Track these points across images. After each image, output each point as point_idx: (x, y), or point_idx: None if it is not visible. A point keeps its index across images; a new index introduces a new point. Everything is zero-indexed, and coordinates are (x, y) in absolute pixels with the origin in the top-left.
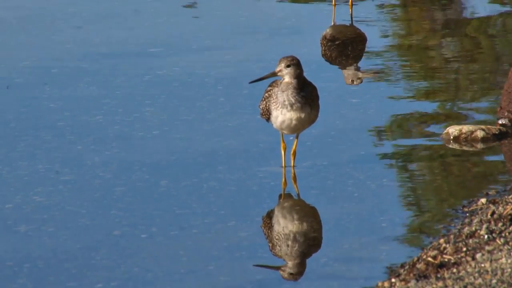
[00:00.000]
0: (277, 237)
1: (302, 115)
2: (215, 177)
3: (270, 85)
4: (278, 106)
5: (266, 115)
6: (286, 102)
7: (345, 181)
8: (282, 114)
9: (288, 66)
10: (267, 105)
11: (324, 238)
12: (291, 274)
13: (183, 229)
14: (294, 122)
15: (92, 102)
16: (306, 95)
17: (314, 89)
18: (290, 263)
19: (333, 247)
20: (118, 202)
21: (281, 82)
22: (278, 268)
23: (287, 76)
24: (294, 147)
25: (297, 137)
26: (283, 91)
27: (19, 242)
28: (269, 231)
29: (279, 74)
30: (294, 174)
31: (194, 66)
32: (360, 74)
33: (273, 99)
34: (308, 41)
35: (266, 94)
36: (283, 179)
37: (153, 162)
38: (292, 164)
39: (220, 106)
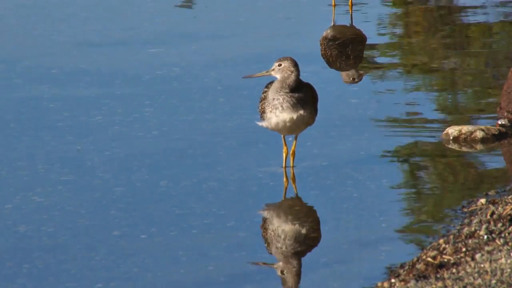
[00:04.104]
0: (274, 237)
1: (294, 116)
2: (214, 177)
3: (266, 86)
4: (271, 108)
5: (263, 116)
6: (276, 102)
7: (345, 181)
8: (276, 116)
9: (280, 65)
10: (263, 106)
11: (323, 238)
12: (282, 272)
13: (182, 229)
14: (287, 123)
15: (92, 102)
16: (299, 96)
17: (310, 90)
18: (282, 263)
19: (332, 247)
20: (118, 203)
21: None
22: (273, 265)
23: (277, 74)
24: (293, 147)
25: (296, 138)
26: (275, 91)
27: (19, 242)
28: (267, 232)
29: (272, 73)
30: (293, 174)
31: (194, 66)
32: (360, 71)
33: (267, 101)
34: (307, 41)
35: (262, 95)
36: (284, 178)
37: (153, 162)
38: (291, 164)
39: (220, 106)
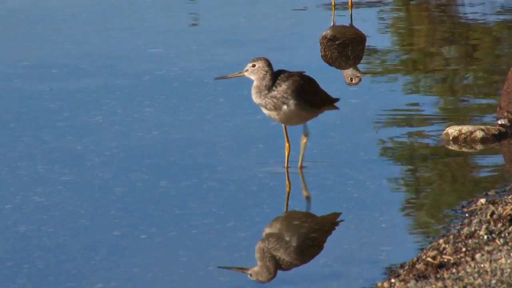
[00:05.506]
0: (271, 239)
1: (281, 112)
2: (214, 178)
3: None
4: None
5: None
6: (258, 102)
7: (345, 181)
8: (266, 111)
9: (254, 65)
10: None
11: (323, 239)
12: (258, 280)
13: (182, 229)
14: (276, 116)
15: (92, 102)
16: (278, 94)
17: (296, 82)
18: (257, 268)
19: (332, 248)
20: (118, 203)
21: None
22: (243, 270)
23: (251, 76)
24: (304, 141)
25: (305, 134)
26: (255, 96)
27: (19, 243)
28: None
29: (245, 74)
30: (302, 174)
31: (194, 66)
32: (358, 73)
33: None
34: (307, 42)
35: None
36: (287, 181)
37: (153, 162)
38: (299, 165)
39: (220, 106)
